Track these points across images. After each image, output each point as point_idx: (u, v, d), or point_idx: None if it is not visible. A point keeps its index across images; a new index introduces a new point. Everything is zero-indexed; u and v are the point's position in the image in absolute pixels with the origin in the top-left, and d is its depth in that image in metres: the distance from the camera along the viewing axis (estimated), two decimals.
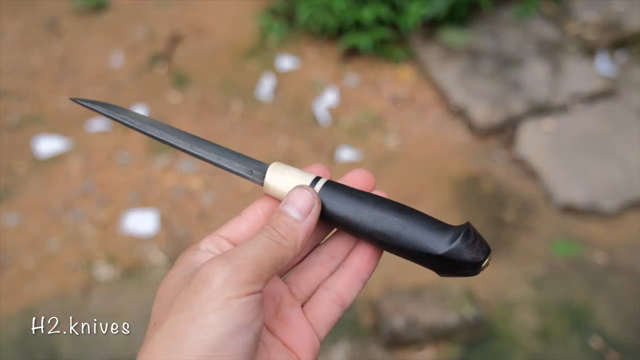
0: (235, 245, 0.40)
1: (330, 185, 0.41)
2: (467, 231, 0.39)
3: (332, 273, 0.43)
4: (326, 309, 0.41)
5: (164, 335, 0.32)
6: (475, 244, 0.39)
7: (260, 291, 0.34)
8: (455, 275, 0.40)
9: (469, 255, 0.39)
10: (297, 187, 0.39)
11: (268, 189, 0.42)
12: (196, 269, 0.35)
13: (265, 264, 0.34)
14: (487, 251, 0.40)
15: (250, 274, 0.33)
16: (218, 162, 0.43)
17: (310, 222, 0.37)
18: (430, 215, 0.41)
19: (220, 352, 0.31)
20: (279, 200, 0.41)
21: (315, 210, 0.38)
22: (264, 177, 0.42)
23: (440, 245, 0.39)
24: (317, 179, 0.41)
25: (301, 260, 0.43)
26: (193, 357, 0.31)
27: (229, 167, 0.43)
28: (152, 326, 0.35)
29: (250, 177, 0.42)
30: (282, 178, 0.41)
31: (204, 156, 0.43)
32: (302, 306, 0.42)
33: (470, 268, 0.39)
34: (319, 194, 0.40)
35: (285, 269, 0.41)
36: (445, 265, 0.39)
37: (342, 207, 0.40)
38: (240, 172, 0.43)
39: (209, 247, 0.39)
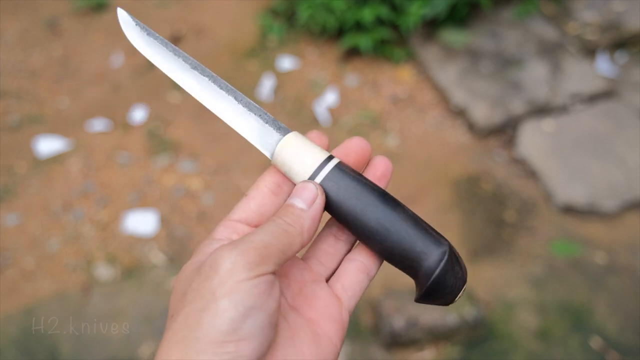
0: (249, 225, 0.40)
1: (340, 168, 0.41)
2: (449, 255, 0.39)
3: (346, 242, 0.43)
4: (353, 277, 0.41)
5: (180, 326, 0.33)
6: (455, 268, 0.39)
7: (271, 273, 0.34)
8: (430, 303, 0.40)
9: (448, 282, 0.39)
10: (301, 182, 0.40)
11: (276, 163, 0.42)
12: (206, 257, 0.35)
13: (273, 248, 0.35)
14: (464, 279, 0.39)
15: (257, 256, 0.34)
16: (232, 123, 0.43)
17: (315, 210, 0.39)
18: (424, 226, 0.40)
19: (235, 336, 0.32)
20: (282, 174, 0.42)
21: (320, 201, 0.39)
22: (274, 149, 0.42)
23: (427, 265, 0.39)
24: (330, 157, 0.42)
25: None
26: (209, 343, 0.32)
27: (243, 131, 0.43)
28: (170, 318, 0.36)
29: (262, 148, 0.43)
30: (292, 154, 0.41)
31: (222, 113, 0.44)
32: (327, 281, 0.42)
33: (449, 296, 0.39)
34: (328, 174, 0.41)
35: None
36: (425, 291, 0.39)
37: (345, 193, 0.40)
38: (255, 143, 0.43)
39: (224, 233, 0.40)
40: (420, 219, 0.40)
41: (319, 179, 0.40)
